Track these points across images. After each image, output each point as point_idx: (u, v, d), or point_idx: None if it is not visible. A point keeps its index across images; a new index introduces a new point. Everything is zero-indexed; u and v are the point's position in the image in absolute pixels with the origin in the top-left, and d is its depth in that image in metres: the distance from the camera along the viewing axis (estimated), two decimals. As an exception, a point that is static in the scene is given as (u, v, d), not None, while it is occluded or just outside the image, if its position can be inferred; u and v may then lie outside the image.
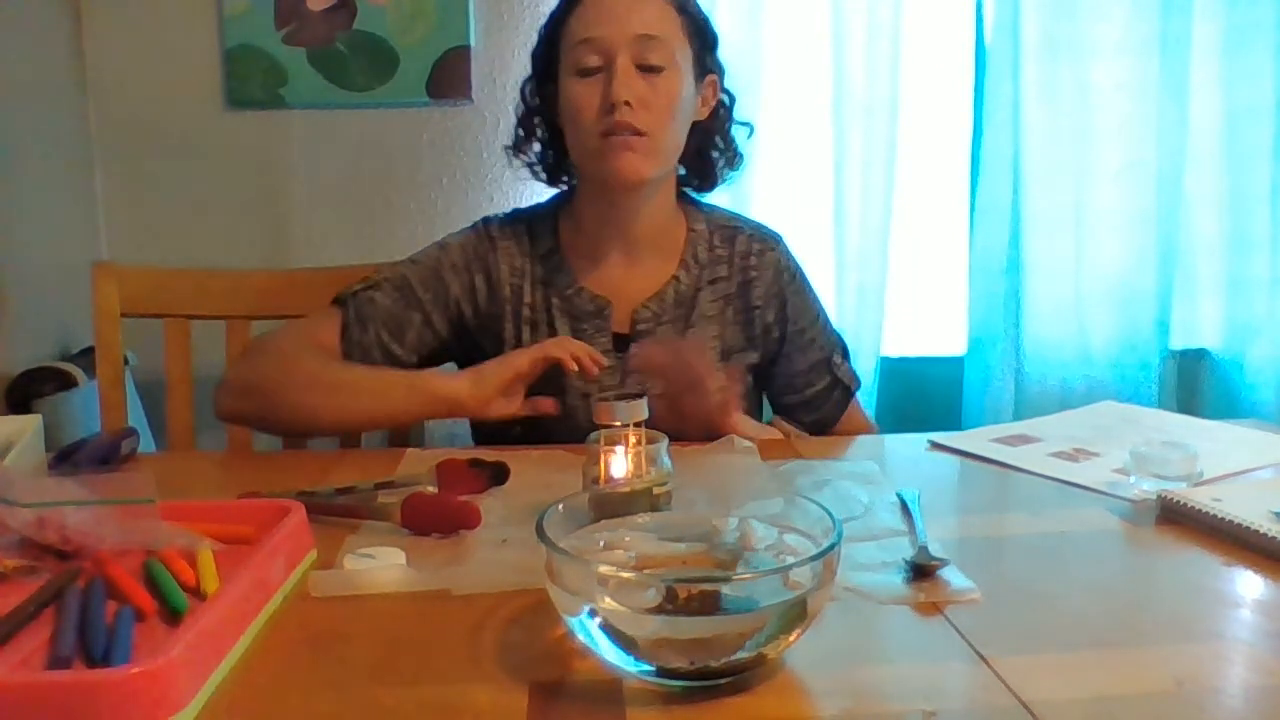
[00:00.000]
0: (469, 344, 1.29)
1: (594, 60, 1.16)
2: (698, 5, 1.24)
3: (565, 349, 1.14)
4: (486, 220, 1.32)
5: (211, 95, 2.06)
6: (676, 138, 1.20)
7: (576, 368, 1.13)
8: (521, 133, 1.30)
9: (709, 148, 1.30)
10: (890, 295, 2.13)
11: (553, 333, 1.26)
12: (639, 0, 1.17)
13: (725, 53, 1.84)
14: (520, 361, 1.14)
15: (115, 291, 1.46)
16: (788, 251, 1.33)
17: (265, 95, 2.05)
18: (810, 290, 1.35)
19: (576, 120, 1.18)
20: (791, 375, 1.33)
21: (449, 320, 1.27)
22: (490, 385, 1.14)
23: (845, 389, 1.34)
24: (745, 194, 2.06)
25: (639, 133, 1.14)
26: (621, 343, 1.26)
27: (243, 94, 2.06)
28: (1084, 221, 2.12)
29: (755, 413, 1.35)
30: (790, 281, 1.31)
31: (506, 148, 1.32)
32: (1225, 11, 2.08)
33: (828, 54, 2.07)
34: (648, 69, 1.15)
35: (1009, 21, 2.06)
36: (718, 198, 1.38)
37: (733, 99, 1.31)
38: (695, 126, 1.24)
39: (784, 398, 1.35)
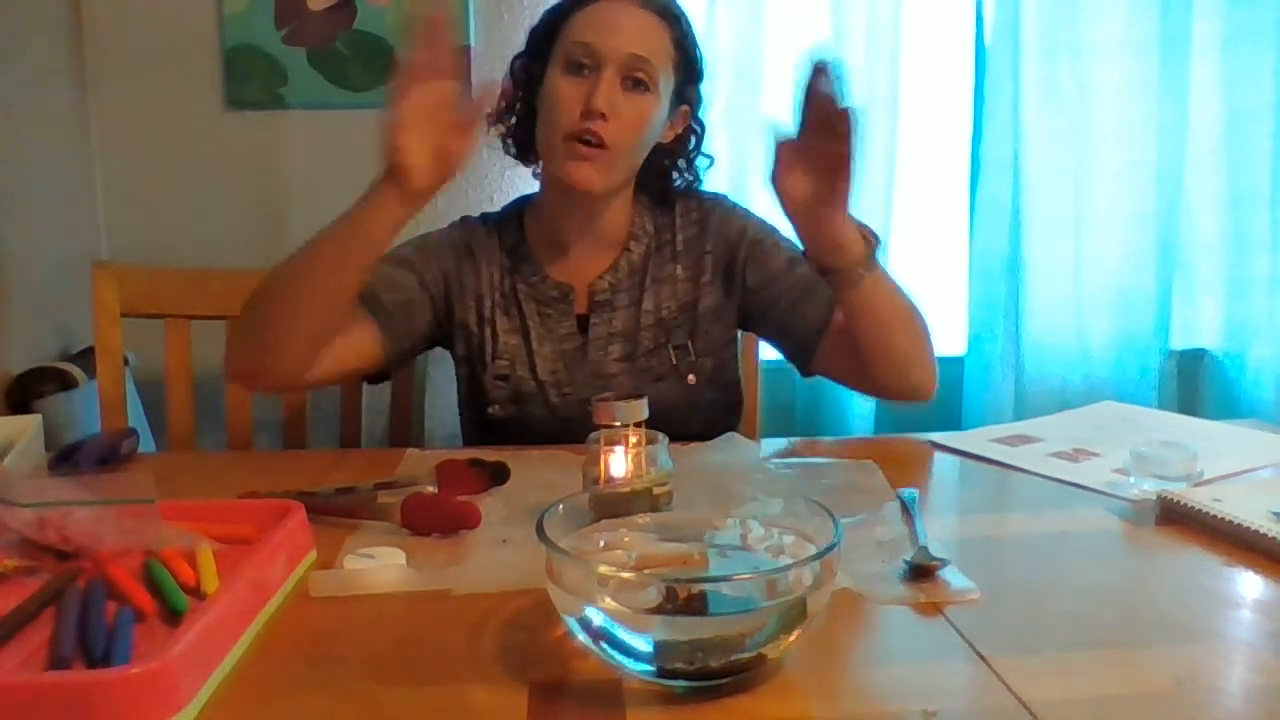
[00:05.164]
0: (450, 313, 1.31)
1: (585, 60, 1.19)
2: (694, 43, 1.27)
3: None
4: (464, 218, 1.37)
5: (211, 95, 2.06)
6: (635, 157, 1.24)
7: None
8: (503, 104, 1.32)
9: (670, 168, 1.34)
10: (890, 295, 2.13)
11: (521, 315, 1.30)
12: (642, 22, 1.21)
13: (725, 52, 1.85)
14: (398, 100, 0.99)
15: (115, 291, 1.46)
16: (730, 200, 1.37)
17: (265, 95, 2.05)
18: (761, 218, 1.34)
19: (551, 113, 1.21)
20: (772, 276, 1.29)
21: (437, 283, 1.30)
22: (396, 139, 0.99)
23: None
24: (745, 194, 2.06)
25: (603, 145, 1.17)
26: (583, 323, 1.30)
27: (243, 94, 2.05)
28: (1084, 221, 2.12)
29: (731, 363, 1.34)
30: (735, 217, 1.33)
31: (486, 114, 1.30)
32: (1225, 11, 2.08)
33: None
34: (631, 87, 1.19)
35: (1009, 21, 2.06)
36: (715, 192, 1.39)
37: (703, 130, 1.34)
38: (658, 147, 1.28)
39: (778, 304, 1.29)
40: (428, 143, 1.01)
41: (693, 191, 1.36)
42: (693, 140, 1.33)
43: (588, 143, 1.17)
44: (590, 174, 1.19)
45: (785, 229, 1.25)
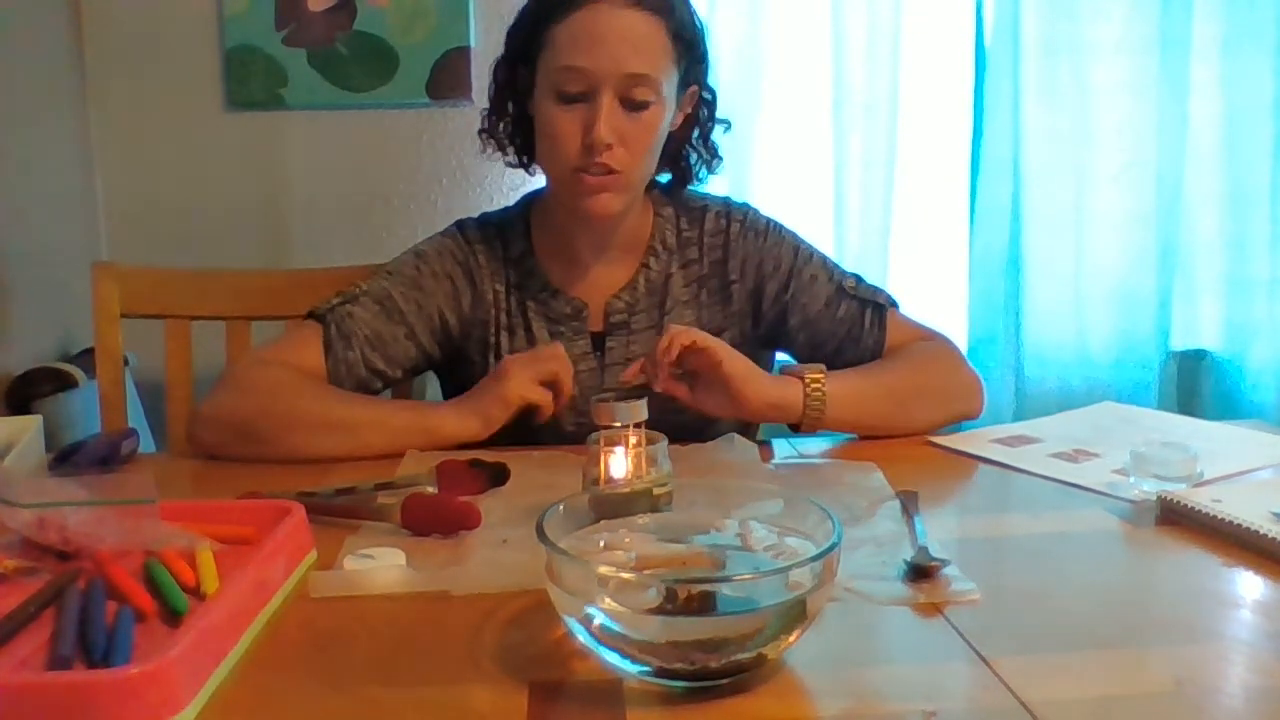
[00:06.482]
0: (452, 352, 1.27)
1: (578, 87, 1.11)
2: (691, 23, 1.18)
3: (547, 389, 1.13)
4: (461, 224, 1.30)
5: (211, 96, 2.06)
6: (650, 168, 1.19)
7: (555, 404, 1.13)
8: (494, 115, 1.26)
9: (686, 152, 1.27)
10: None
11: (530, 336, 1.25)
12: (634, 25, 1.11)
13: (725, 52, 1.81)
14: (512, 397, 1.11)
15: (115, 291, 1.46)
16: (757, 215, 1.30)
17: (265, 96, 2.05)
18: (792, 236, 1.30)
19: (552, 148, 1.15)
20: (811, 319, 1.26)
21: (432, 332, 1.24)
22: (498, 424, 1.12)
23: (875, 305, 1.26)
24: (745, 194, 2.06)
25: (614, 171, 1.13)
26: (598, 341, 1.25)
27: (243, 94, 2.05)
28: (1084, 221, 2.12)
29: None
30: (764, 241, 1.27)
31: (480, 131, 1.28)
32: (1225, 11, 2.08)
33: (828, 54, 2.07)
34: (632, 106, 1.12)
35: (1009, 21, 2.06)
36: (715, 191, 1.37)
37: (714, 96, 1.27)
38: (670, 135, 1.21)
39: (823, 349, 1.27)
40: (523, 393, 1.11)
41: (722, 207, 1.29)
42: (704, 112, 1.25)
43: (596, 172, 1.12)
44: (608, 201, 1.15)
45: (810, 240, 1.31)
